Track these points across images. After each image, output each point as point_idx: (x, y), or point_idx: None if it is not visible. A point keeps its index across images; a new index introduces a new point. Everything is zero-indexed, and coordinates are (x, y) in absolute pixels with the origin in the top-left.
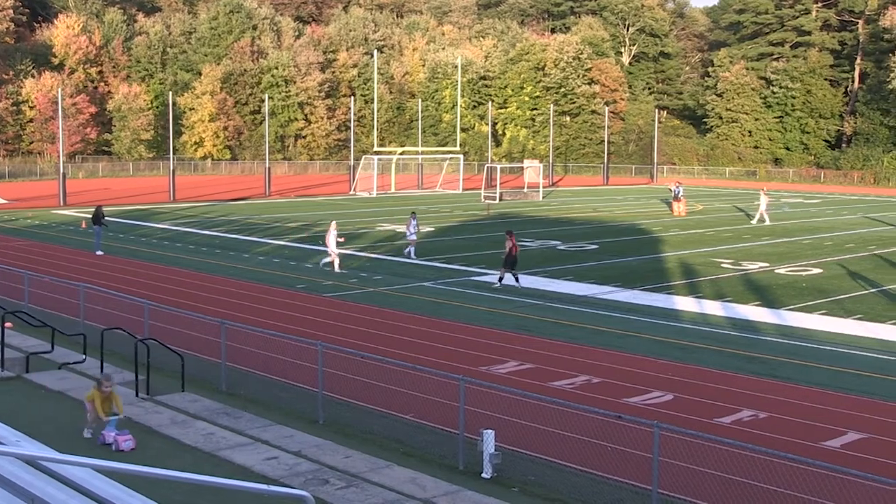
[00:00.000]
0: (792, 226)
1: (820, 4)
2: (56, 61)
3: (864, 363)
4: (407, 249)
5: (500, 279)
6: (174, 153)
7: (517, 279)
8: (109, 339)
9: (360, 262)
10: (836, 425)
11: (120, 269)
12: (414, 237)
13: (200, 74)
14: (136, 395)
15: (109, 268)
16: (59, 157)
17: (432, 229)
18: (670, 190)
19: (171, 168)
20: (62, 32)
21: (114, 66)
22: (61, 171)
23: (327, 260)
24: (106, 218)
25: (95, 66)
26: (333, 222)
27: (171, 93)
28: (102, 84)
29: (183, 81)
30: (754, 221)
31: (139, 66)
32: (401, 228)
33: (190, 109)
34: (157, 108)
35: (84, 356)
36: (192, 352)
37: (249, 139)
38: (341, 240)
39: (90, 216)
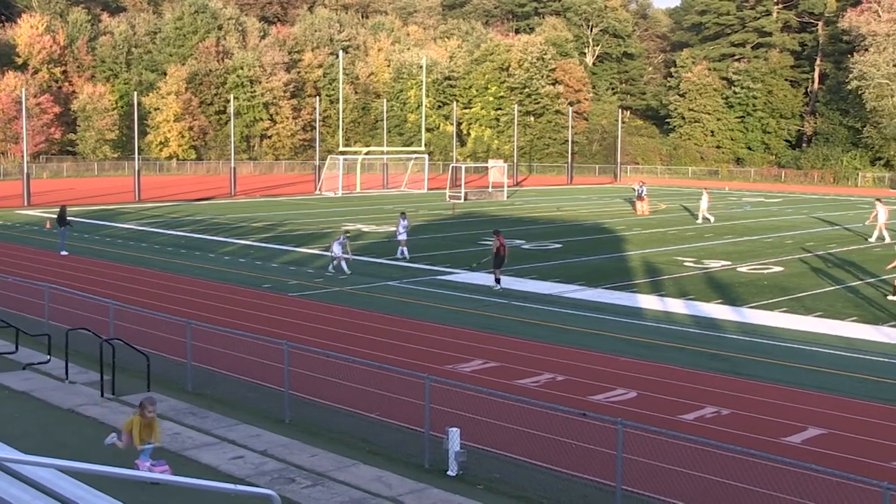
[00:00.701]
0: (753, 224)
1: (780, 6)
2: (20, 61)
3: (825, 360)
4: (400, 250)
5: (497, 280)
6: (139, 153)
7: (497, 280)
8: (74, 340)
9: (326, 262)
10: (797, 421)
11: (85, 269)
12: (404, 237)
13: (165, 74)
14: (102, 395)
15: (74, 268)
16: (22, 157)
17: (396, 229)
18: (633, 189)
19: (137, 168)
20: (26, 32)
21: (78, 66)
22: (25, 171)
23: (333, 265)
24: (70, 218)
25: (59, 65)
26: (343, 234)
27: (135, 93)
28: (67, 84)
29: (148, 81)
30: (699, 221)
31: (104, 65)
32: (366, 228)
33: (155, 109)
34: (122, 108)
35: (49, 356)
36: (157, 352)
37: (215, 139)
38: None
39: (55, 216)
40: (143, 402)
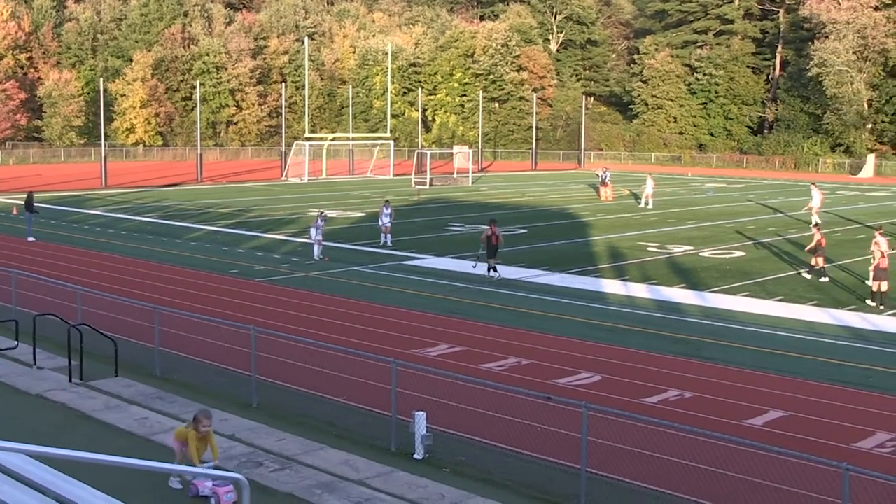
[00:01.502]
0: (716, 210)
1: None
2: None
3: (786, 343)
4: (383, 237)
5: (492, 269)
6: (106, 139)
7: (492, 269)
8: (42, 325)
9: (293, 247)
10: (758, 404)
11: (52, 255)
12: (388, 224)
13: (131, 61)
14: (70, 380)
15: (41, 254)
16: None
17: (363, 214)
18: (597, 175)
19: (103, 154)
20: None
21: (44, 53)
22: None
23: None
24: (37, 204)
25: (25, 52)
26: (321, 213)
27: (102, 79)
28: (32, 70)
29: (114, 68)
30: (642, 204)
31: (69, 52)
32: (333, 213)
33: (121, 96)
34: (88, 94)
35: (16, 342)
36: (125, 337)
37: (181, 125)
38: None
39: (21, 203)
40: (197, 417)
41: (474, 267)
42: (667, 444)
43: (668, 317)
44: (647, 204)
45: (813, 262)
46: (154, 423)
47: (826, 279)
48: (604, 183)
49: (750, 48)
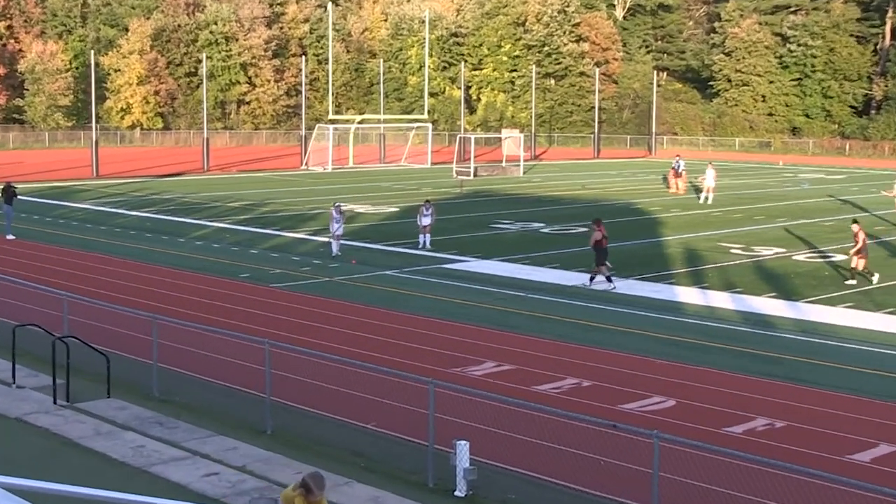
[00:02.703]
0: (811, 205)
1: None
2: None
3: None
4: (422, 239)
5: (609, 278)
6: (97, 122)
7: (596, 276)
8: (22, 337)
9: (314, 248)
10: (865, 436)
11: (34, 255)
12: (428, 224)
13: (127, 31)
14: (55, 401)
15: (22, 254)
16: None
17: (396, 209)
18: (672, 164)
19: (94, 139)
20: None
21: (25, 21)
22: None
23: (337, 248)
24: (18, 196)
25: (4, 19)
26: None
27: (92, 52)
28: (12, 41)
29: (107, 38)
30: (702, 200)
31: (55, 20)
32: (360, 208)
33: (115, 71)
34: (77, 69)
35: None
36: (119, 351)
37: (184, 105)
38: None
39: None
40: (307, 483)
41: (613, 287)
42: (753, 483)
43: (755, 331)
44: (706, 200)
45: (854, 265)
46: (151, 453)
47: (856, 281)
48: (677, 173)
49: (854, 13)
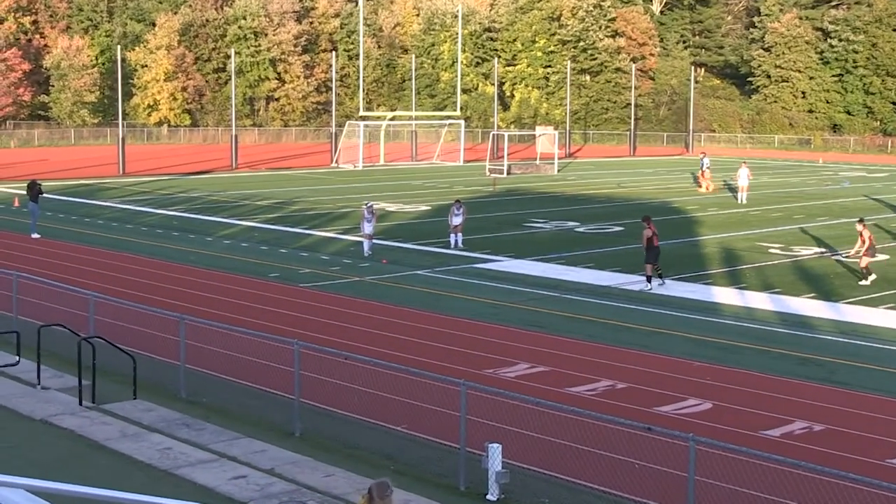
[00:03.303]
0: (852, 204)
1: None
2: None
3: None
4: (453, 238)
5: (649, 279)
6: (124, 118)
7: (660, 276)
8: (47, 338)
9: (344, 247)
10: None
11: (60, 254)
12: (459, 223)
13: (154, 25)
14: (80, 403)
15: (47, 253)
16: None
17: (428, 208)
18: (700, 161)
19: (121, 136)
20: None
21: (51, 15)
22: None
23: (369, 247)
24: (43, 194)
25: (29, 14)
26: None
27: (119, 47)
28: (38, 36)
29: (134, 33)
30: (738, 199)
31: (81, 14)
32: (392, 207)
33: (142, 67)
34: (104, 64)
35: (18, 357)
36: (145, 352)
37: (213, 102)
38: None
39: (24, 192)
40: (371, 490)
41: (649, 288)
42: (791, 487)
43: (793, 332)
44: (742, 200)
45: (864, 265)
46: (178, 455)
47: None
48: (703, 171)
49: None
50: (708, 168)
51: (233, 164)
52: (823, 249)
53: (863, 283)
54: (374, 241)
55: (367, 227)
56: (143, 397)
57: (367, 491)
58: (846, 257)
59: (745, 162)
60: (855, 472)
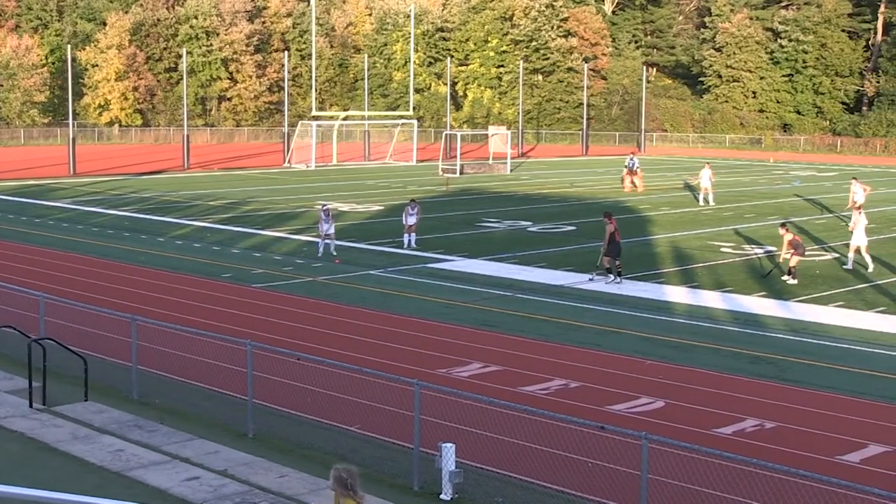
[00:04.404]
0: (802, 203)
1: None
2: None
3: (889, 364)
4: (407, 238)
5: (608, 271)
6: (74, 118)
7: (619, 274)
8: None
9: (297, 247)
10: (855, 437)
11: (9, 255)
12: (413, 223)
13: (105, 24)
14: (31, 405)
15: None
16: None
17: (381, 208)
18: (627, 162)
19: (71, 136)
20: None
21: None
22: None
23: (333, 247)
24: None
25: None
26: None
27: (69, 46)
28: None
29: (84, 33)
30: (701, 201)
31: (31, 13)
32: (345, 207)
33: (93, 66)
34: (54, 64)
35: None
36: (96, 354)
37: (164, 102)
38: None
39: None
40: (344, 480)
41: (609, 280)
42: (743, 484)
43: (745, 331)
44: (706, 200)
45: (792, 264)
46: (130, 457)
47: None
48: (631, 171)
49: (846, 8)
50: (639, 168)
51: (185, 164)
52: (774, 248)
53: (787, 279)
54: (330, 240)
55: (327, 228)
56: (95, 399)
57: (339, 483)
58: (780, 261)
59: (708, 163)
60: (806, 469)
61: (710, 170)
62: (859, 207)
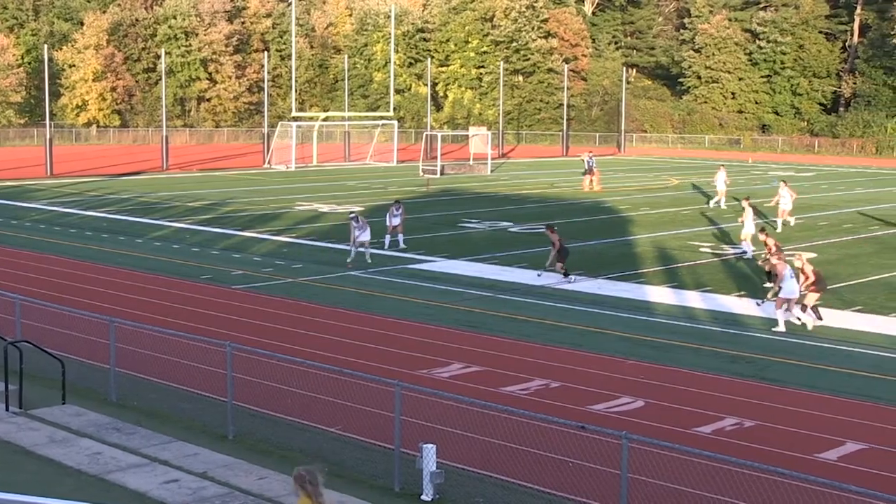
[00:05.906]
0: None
1: None
2: None
3: (867, 362)
4: (388, 239)
5: (566, 273)
6: (51, 119)
7: (565, 274)
8: None
9: (277, 248)
10: (833, 434)
11: None
12: (397, 224)
13: (82, 24)
14: (7, 408)
15: None
16: None
17: (361, 208)
18: (583, 161)
19: (48, 137)
20: None
21: None
22: None
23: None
24: None
25: None
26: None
27: (46, 46)
28: None
29: (61, 32)
30: (712, 204)
31: (6, 13)
32: (325, 208)
33: (70, 66)
34: (30, 64)
35: None
36: (74, 356)
37: (143, 102)
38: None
39: None
40: (302, 478)
41: (572, 280)
42: (722, 483)
43: (725, 330)
44: (718, 204)
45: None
46: (109, 460)
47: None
48: (590, 171)
49: (823, 10)
50: (597, 168)
51: (164, 165)
52: (753, 248)
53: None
54: (306, 242)
55: (359, 235)
56: (73, 402)
57: (296, 481)
58: (761, 262)
59: (722, 165)
60: (784, 467)
61: (725, 172)
62: (784, 211)
